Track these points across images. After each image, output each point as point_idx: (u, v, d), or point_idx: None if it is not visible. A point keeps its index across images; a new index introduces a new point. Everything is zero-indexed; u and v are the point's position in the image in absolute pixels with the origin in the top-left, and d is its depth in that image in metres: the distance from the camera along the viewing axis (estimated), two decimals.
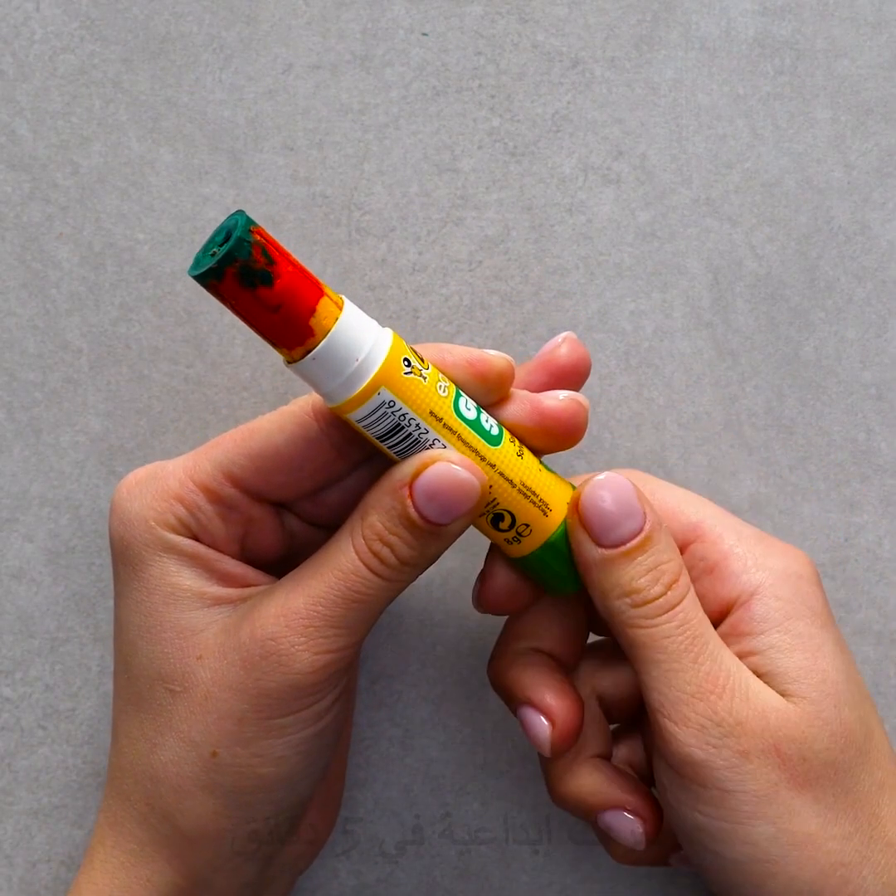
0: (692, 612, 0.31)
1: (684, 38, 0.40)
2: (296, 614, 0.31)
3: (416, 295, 0.40)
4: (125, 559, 0.33)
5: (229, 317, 0.39)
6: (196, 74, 0.39)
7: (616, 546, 0.32)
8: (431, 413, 0.31)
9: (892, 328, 0.40)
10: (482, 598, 0.34)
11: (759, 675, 0.32)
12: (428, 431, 0.31)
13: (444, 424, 0.31)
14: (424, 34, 0.40)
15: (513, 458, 0.32)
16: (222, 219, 0.39)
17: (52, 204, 0.39)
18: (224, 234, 0.29)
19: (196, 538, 0.33)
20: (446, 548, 0.32)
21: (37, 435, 0.39)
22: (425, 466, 0.30)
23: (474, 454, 0.31)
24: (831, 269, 0.40)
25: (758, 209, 0.40)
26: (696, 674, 0.31)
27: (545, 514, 0.32)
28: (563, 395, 0.33)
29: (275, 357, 0.39)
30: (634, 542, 0.32)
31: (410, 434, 0.30)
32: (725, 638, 0.32)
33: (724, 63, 0.40)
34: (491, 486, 0.31)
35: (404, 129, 0.40)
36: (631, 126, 0.40)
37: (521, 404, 0.32)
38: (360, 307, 0.40)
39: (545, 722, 0.33)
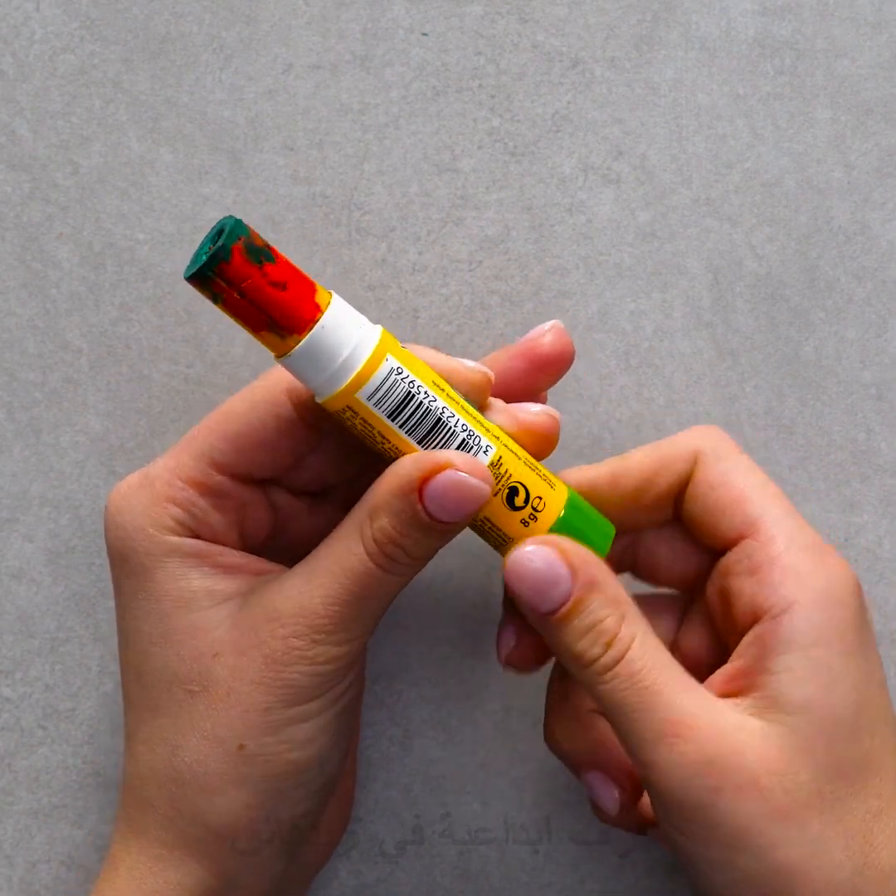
0: (641, 662, 0.31)
1: (684, 38, 0.40)
2: (314, 614, 0.31)
3: (416, 295, 0.40)
4: (127, 571, 0.33)
5: None
6: (196, 74, 0.39)
7: (550, 614, 0.31)
8: (434, 382, 0.31)
9: (892, 328, 0.40)
10: (526, 654, 0.34)
11: (763, 698, 0.31)
12: (436, 399, 0.31)
13: (448, 394, 0.31)
14: (424, 34, 0.40)
15: (507, 436, 0.32)
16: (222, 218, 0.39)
17: (52, 204, 0.39)
18: (215, 235, 0.29)
19: (196, 535, 0.33)
20: (456, 535, 0.32)
21: (37, 435, 0.39)
22: (433, 473, 0.30)
23: (479, 424, 0.31)
24: (831, 269, 0.40)
25: (758, 209, 0.40)
26: (653, 721, 0.30)
27: (552, 487, 0.32)
28: (536, 407, 0.33)
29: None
30: (565, 608, 0.31)
31: (421, 403, 0.30)
32: (748, 647, 0.32)
33: (724, 63, 0.40)
34: (500, 457, 0.31)
35: (404, 129, 0.40)
36: (631, 126, 0.40)
37: (498, 415, 0.33)
38: (360, 307, 0.40)
39: (615, 791, 0.34)
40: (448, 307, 0.40)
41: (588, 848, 0.39)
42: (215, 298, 0.29)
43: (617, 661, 0.31)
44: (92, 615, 0.39)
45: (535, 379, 0.34)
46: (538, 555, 0.31)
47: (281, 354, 0.30)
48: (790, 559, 0.33)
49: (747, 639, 0.32)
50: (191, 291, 0.39)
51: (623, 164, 0.40)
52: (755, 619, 0.32)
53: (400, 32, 0.40)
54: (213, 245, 0.29)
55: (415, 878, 0.39)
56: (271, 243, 0.30)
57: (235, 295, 0.29)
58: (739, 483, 0.34)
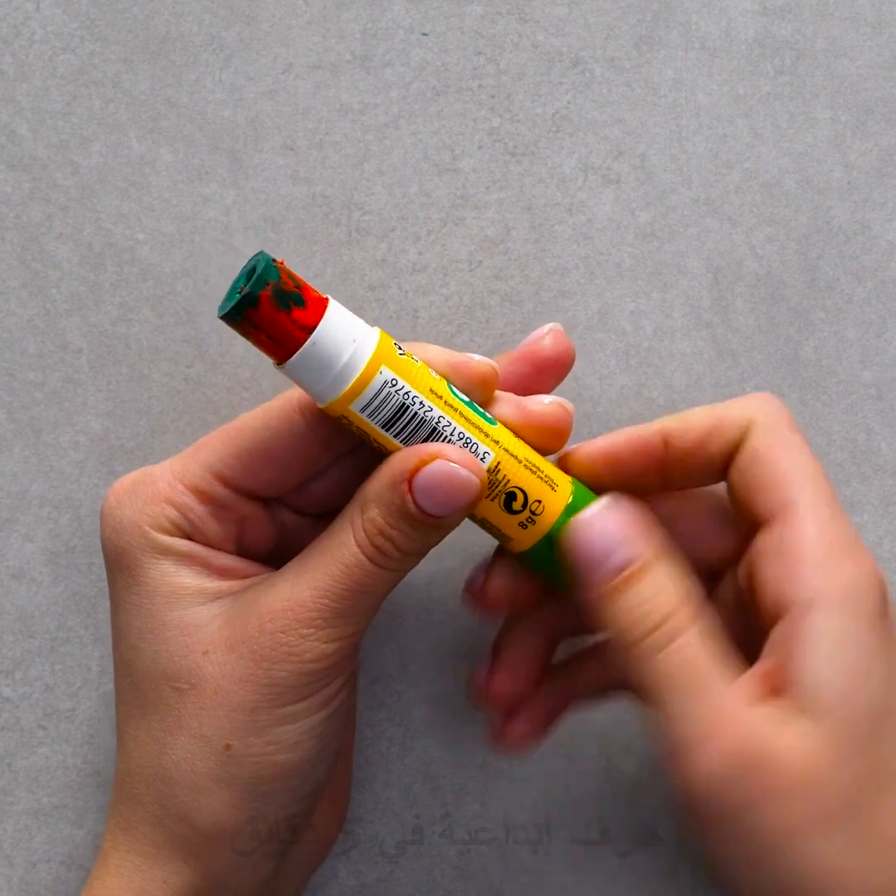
0: (696, 647, 0.30)
1: (684, 38, 0.40)
2: (303, 607, 0.31)
3: (416, 295, 0.40)
4: (121, 566, 0.33)
5: None
6: (196, 74, 0.39)
7: (604, 583, 0.31)
8: (431, 391, 0.31)
9: (892, 328, 0.40)
10: (486, 591, 0.34)
11: (796, 699, 0.30)
12: (432, 409, 0.31)
13: (446, 402, 0.31)
14: (424, 34, 0.40)
15: (512, 437, 0.32)
16: (222, 219, 0.39)
17: (52, 204, 0.39)
18: (247, 274, 0.29)
19: (190, 539, 0.33)
20: (447, 535, 0.32)
21: (37, 435, 0.39)
22: (424, 463, 0.30)
23: (477, 430, 0.31)
24: (831, 269, 0.40)
25: (758, 209, 0.40)
26: (698, 714, 0.30)
27: (553, 489, 0.32)
28: (547, 399, 0.33)
29: None
30: (621, 577, 0.31)
31: (416, 413, 0.30)
32: (776, 645, 0.31)
33: (724, 63, 0.40)
34: (498, 463, 0.31)
35: (404, 129, 0.40)
36: (631, 126, 0.40)
37: (507, 407, 0.33)
38: (360, 307, 0.40)
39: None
40: (448, 307, 0.40)
41: (588, 848, 0.39)
42: (245, 335, 0.30)
43: (673, 639, 0.30)
44: (92, 615, 0.39)
45: (537, 382, 0.34)
46: (609, 514, 0.32)
47: (279, 363, 0.30)
48: (819, 553, 0.31)
49: (774, 636, 0.31)
50: (191, 291, 0.39)
51: (623, 164, 0.40)
52: (779, 608, 0.31)
53: (400, 32, 0.40)
54: (246, 284, 0.29)
55: (415, 878, 0.39)
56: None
57: (264, 336, 0.29)
58: (783, 462, 0.32)
